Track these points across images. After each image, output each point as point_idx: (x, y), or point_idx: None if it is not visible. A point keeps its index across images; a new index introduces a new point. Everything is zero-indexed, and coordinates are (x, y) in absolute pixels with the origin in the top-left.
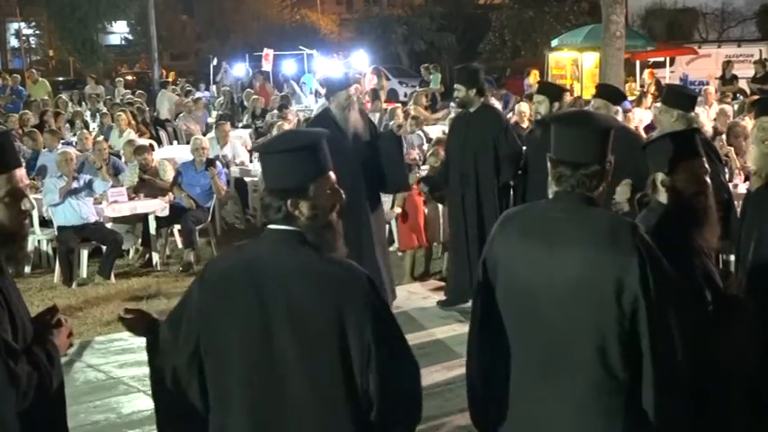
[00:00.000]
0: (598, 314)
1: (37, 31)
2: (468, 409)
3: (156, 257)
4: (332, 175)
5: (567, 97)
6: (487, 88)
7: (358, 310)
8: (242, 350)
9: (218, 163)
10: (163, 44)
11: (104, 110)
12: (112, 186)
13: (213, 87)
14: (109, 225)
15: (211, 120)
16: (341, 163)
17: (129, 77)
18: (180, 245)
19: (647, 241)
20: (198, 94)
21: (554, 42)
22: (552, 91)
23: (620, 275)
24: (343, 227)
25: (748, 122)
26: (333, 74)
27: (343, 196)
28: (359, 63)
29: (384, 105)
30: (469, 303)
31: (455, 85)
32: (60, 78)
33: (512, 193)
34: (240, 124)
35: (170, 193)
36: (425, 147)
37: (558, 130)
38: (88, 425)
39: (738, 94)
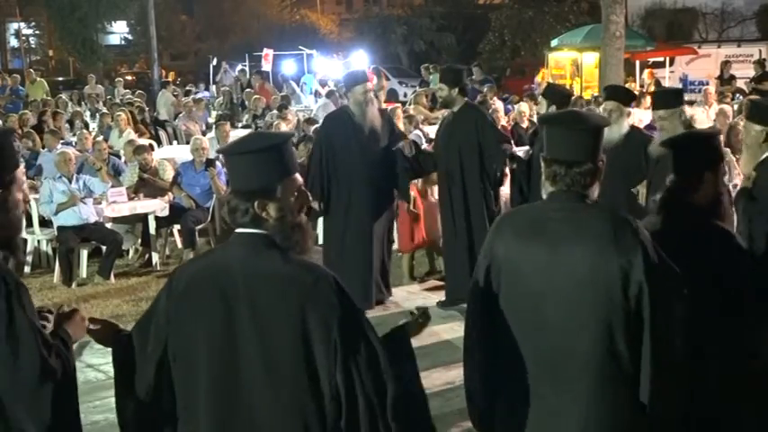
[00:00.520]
0: (605, 310)
1: (37, 31)
2: (468, 409)
3: (155, 257)
4: (298, 176)
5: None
6: (490, 88)
7: (322, 311)
8: (208, 357)
9: (217, 163)
10: (162, 44)
11: (104, 110)
12: (112, 186)
13: (213, 87)
14: (109, 225)
15: (211, 120)
16: (352, 157)
17: (129, 77)
18: (180, 245)
19: (647, 236)
20: (199, 95)
21: (554, 42)
22: (555, 96)
23: (626, 270)
24: (346, 220)
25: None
26: (350, 69)
27: (310, 198)
28: (359, 63)
29: (384, 105)
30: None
31: (438, 85)
32: (60, 78)
33: (510, 190)
34: (240, 124)
35: (169, 193)
36: (424, 146)
37: (550, 130)
38: (88, 425)
39: (738, 94)
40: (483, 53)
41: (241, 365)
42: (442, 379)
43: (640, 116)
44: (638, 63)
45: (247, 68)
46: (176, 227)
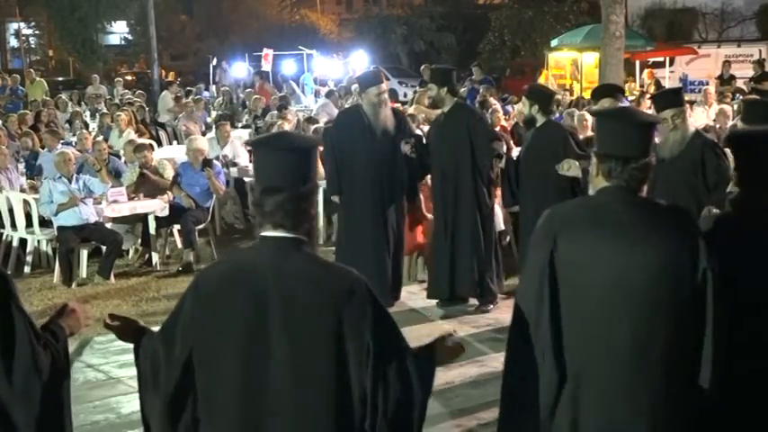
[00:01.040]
0: (676, 300)
1: (37, 31)
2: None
3: (155, 257)
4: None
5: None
6: (486, 88)
7: (357, 315)
8: (235, 359)
9: (216, 163)
10: (162, 44)
11: (104, 110)
12: (112, 186)
13: (213, 87)
14: (109, 225)
15: (210, 120)
16: (363, 158)
17: (129, 77)
18: (180, 245)
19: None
20: (204, 94)
21: (554, 42)
22: (538, 95)
23: (694, 259)
24: (360, 221)
25: None
26: (366, 70)
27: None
28: (358, 63)
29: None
30: (468, 303)
31: (428, 85)
32: (60, 78)
33: (501, 189)
34: (240, 124)
35: (169, 193)
36: None
37: (606, 125)
38: (88, 425)
39: (737, 94)
40: (483, 53)
41: (270, 367)
42: (442, 379)
43: None
44: (638, 63)
45: (249, 68)
46: (176, 227)
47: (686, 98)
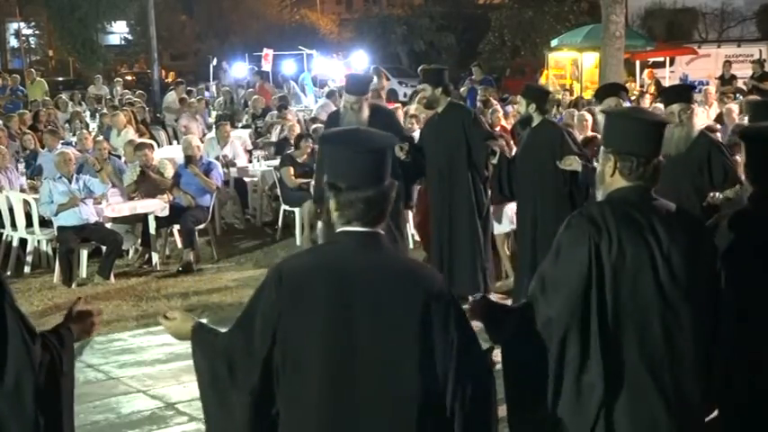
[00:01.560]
0: (704, 295)
1: (36, 31)
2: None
3: (155, 257)
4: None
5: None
6: (485, 88)
7: (444, 308)
8: (321, 354)
9: (216, 162)
10: (162, 44)
11: (104, 110)
12: (113, 186)
13: (213, 87)
14: (109, 225)
15: (211, 120)
16: None
17: (129, 77)
18: (180, 245)
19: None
20: (205, 95)
21: (554, 42)
22: (534, 94)
23: (713, 257)
24: None
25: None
26: (351, 73)
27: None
28: (358, 63)
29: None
30: (467, 302)
31: (422, 85)
32: (60, 78)
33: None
34: (240, 124)
35: (168, 193)
36: None
37: (626, 124)
38: (88, 425)
39: (738, 94)
40: (483, 53)
41: (357, 362)
42: None
43: None
44: (638, 63)
45: (251, 68)
46: (176, 227)
47: None
